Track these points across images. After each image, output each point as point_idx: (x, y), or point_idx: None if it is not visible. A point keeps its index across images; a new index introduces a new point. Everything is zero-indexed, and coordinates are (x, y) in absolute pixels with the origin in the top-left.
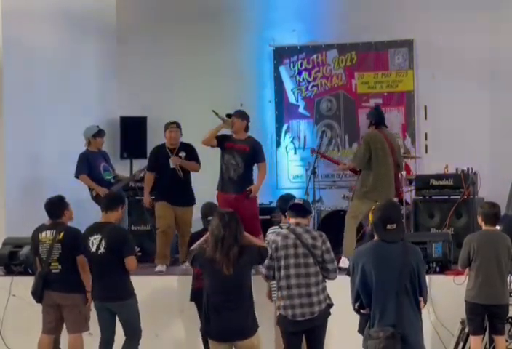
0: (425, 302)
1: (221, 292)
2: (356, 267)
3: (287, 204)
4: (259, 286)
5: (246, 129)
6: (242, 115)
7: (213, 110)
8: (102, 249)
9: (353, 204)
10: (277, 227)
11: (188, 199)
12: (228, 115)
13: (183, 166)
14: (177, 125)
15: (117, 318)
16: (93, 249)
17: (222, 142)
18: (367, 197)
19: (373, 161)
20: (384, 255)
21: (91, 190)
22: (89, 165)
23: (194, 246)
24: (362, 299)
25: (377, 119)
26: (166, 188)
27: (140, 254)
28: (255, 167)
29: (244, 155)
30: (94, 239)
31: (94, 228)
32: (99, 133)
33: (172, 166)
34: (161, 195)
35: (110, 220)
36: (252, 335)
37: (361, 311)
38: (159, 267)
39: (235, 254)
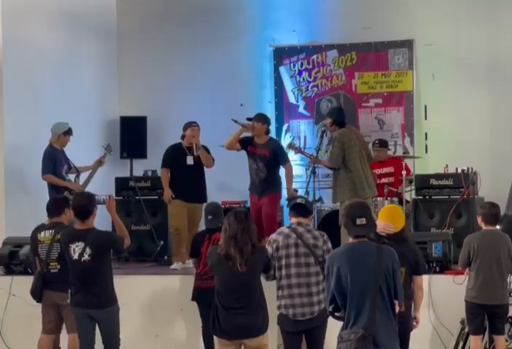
0: (399, 306)
1: (232, 290)
2: (331, 269)
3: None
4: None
5: (267, 132)
6: (262, 119)
7: (232, 119)
8: (86, 256)
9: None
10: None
11: (202, 196)
12: (249, 119)
13: (202, 156)
14: (198, 125)
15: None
16: (75, 256)
17: (245, 146)
18: (348, 197)
19: (348, 160)
20: (359, 256)
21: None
22: (54, 165)
23: None
24: (337, 301)
25: (341, 119)
26: (182, 187)
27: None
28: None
29: (264, 160)
30: (76, 246)
31: (74, 236)
32: (69, 131)
33: (188, 162)
34: (177, 194)
35: (91, 226)
36: (261, 334)
37: (336, 314)
38: (174, 265)
39: (248, 251)
